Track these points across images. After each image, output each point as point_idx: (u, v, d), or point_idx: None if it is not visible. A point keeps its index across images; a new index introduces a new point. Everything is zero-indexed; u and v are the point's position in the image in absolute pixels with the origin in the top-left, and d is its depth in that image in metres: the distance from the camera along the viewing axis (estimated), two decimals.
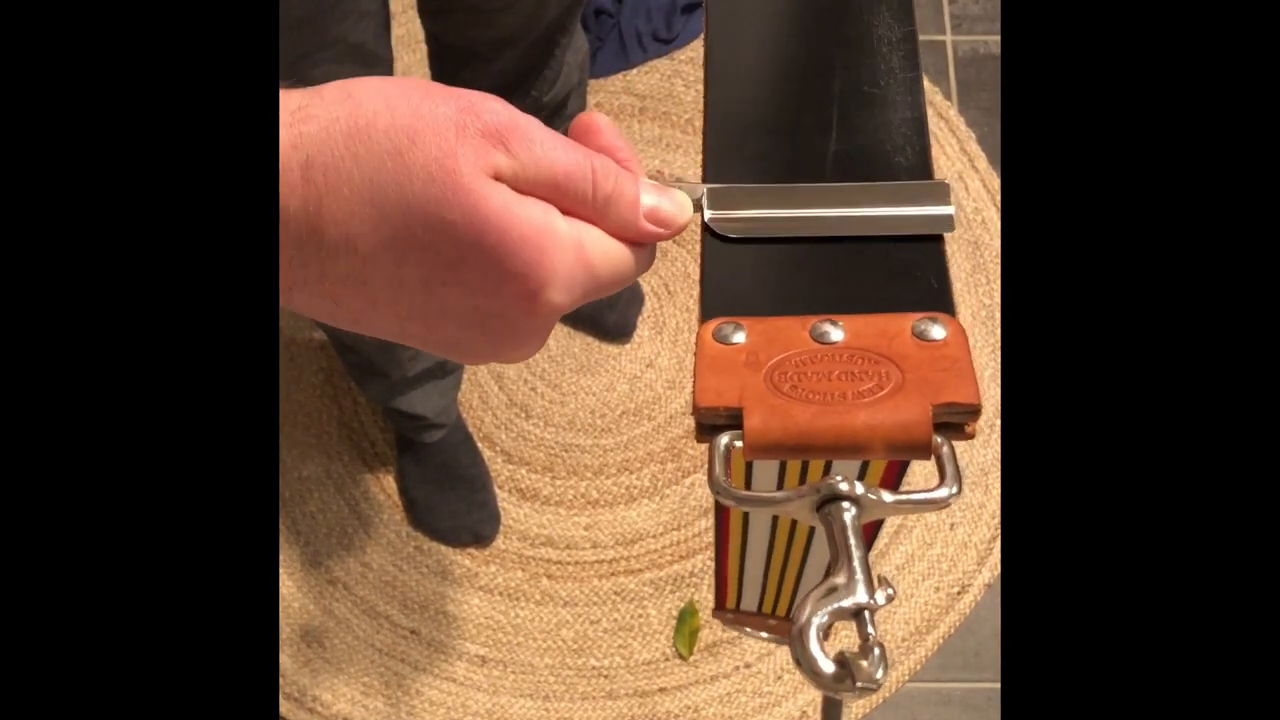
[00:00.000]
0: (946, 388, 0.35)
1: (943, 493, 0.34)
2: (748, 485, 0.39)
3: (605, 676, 1.39)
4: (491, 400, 1.53)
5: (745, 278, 0.40)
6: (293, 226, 0.33)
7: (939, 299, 0.37)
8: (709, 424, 0.36)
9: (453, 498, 1.43)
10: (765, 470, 0.38)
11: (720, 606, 0.55)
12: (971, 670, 1.39)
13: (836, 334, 0.36)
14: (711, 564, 1.44)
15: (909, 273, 0.38)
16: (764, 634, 0.56)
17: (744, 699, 1.37)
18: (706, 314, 0.38)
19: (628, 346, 1.56)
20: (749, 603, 0.53)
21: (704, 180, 0.42)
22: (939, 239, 0.39)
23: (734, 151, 0.42)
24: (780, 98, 0.44)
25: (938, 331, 0.36)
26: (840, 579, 0.33)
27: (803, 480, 0.39)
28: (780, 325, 0.37)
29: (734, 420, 0.35)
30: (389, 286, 0.34)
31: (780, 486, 0.40)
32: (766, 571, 0.50)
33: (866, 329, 0.36)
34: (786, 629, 0.55)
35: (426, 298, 0.35)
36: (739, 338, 0.37)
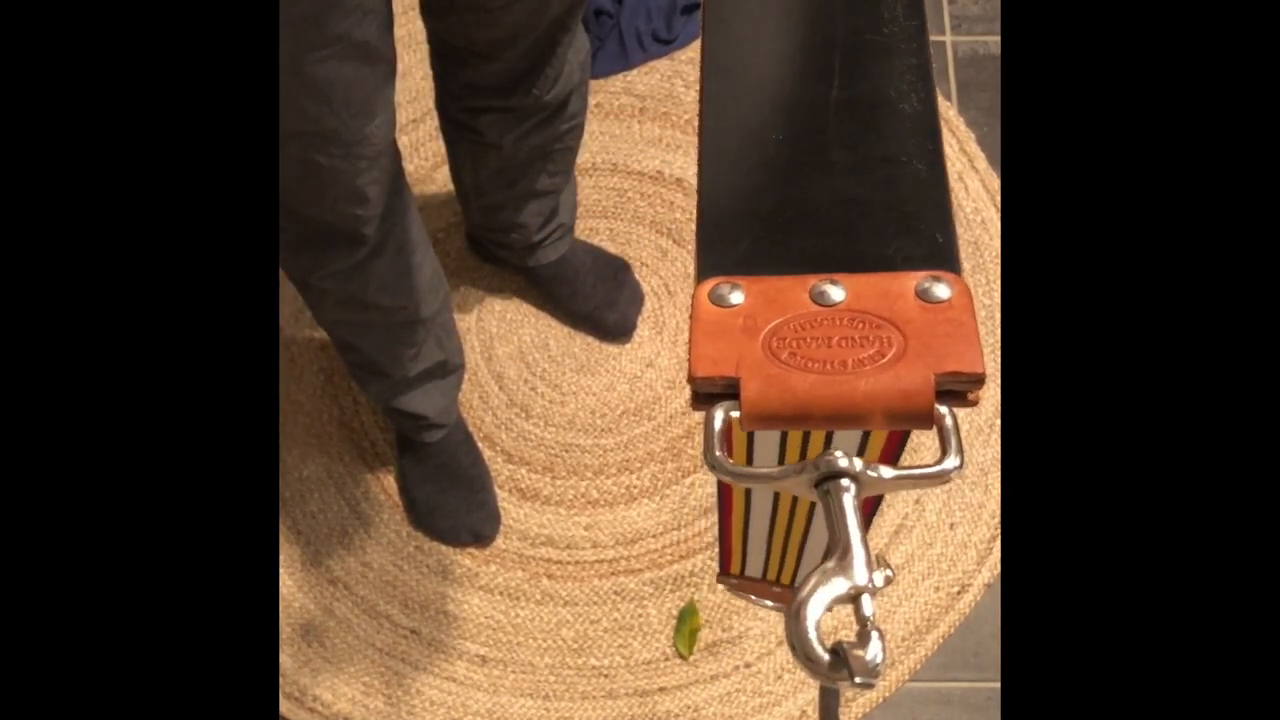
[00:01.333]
0: (950, 355, 0.33)
1: (946, 465, 0.33)
2: (749, 454, 0.39)
3: (605, 676, 1.39)
4: (491, 400, 1.53)
5: (744, 234, 0.38)
6: None
7: (944, 255, 0.36)
8: (705, 393, 0.35)
9: (453, 497, 1.43)
10: (767, 438, 0.38)
11: (725, 572, 0.53)
12: (971, 670, 1.39)
13: (837, 294, 0.35)
14: (711, 563, 1.44)
15: (913, 226, 0.37)
16: (768, 602, 0.55)
17: (744, 698, 1.37)
18: (703, 273, 0.37)
19: (628, 346, 1.56)
20: (753, 569, 0.52)
21: (701, 124, 0.41)
22: (944, 190, 0.38)
23: (733, 97, 0.41)
24: (781, 44, 0.42)
25: (942, 291, 0.35)
26: (838, 559, 0.32)
27: (804, 449, 0.38)
28: (779, 285, 0.35)
29: (731, 389, 0.34)
30: None
31: (782, 456, 0.39)
32: (770, 538, 0.49)
33: (868, 289, 0.35)
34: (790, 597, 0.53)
35: None
36: (736, 298, 0.35)
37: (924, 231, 0.36)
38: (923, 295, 0.35)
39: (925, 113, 0.39)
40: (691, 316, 0.36)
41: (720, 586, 0.56)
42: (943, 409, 0.34)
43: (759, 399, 0.33)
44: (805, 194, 0.38)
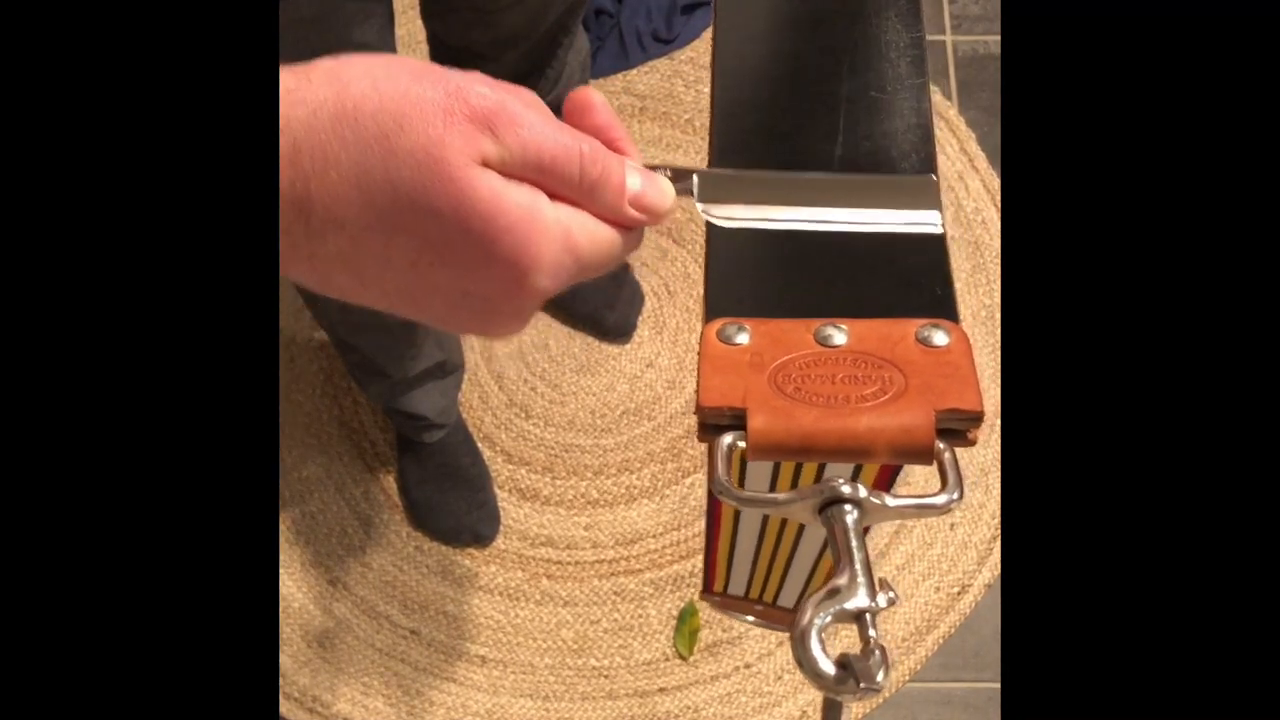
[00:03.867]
0: (950, 394, 0.35)
1: (943, 498, 0.34)
2: (741, 483, 0.40)
3: (605, 676, 1.39)
4: (491, 400, 1.53)
5: (749, 279, 0.40)
6: (281, 209, 0.34)
7: (943, 306, 0.38)
8: (712, 424, 0.36)
9: (453, 498, 1.43)
10: (760, 468, 0.39)
11: (708, 589, 0.55)
12: (971, 670, 1.39)
13: (840, 337, 0.36)
14: None
15: (913, 280, 0.38)
16: (750, 618, 0.56)
17: (744, 699, 1.37)
18: (710, 314, 0.38)
19: (628, 346, 1.56)
20: (736, 587, 0.54)
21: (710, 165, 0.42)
22: (942, 247, 0.39)
23: (740, 155, 0.42)
24: (786, 101, 0.44)
25: (941, 338, 0.36)
26: (842, 581, 0.33)
27: (796, 481, 0.39)
28: (784, 327, 0.37)
29: (737, 420, 0.35)
30: (376, 265, 0.35)
31: (774, 485, 0.40)
32: (755, 559, 0.50)
33: (870, 333, 0.36)
34: (773, 615, 0.55)
35: (414, 277, 0.35)
36: (742, 339, 0.37)
37: (923, 285, 0.38)
38: (923, 341, 0.36)
39: (924, 172, 0.40)
40: (700, 353, 0.37)
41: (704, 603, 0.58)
42: (941, 445, 0.35)
43: (765, 430, 0.35)
44: (808, 247, 0.39)
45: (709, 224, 0.40)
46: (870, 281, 0.39)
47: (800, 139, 0.42)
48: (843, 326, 0.36)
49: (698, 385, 0.36)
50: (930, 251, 0.39)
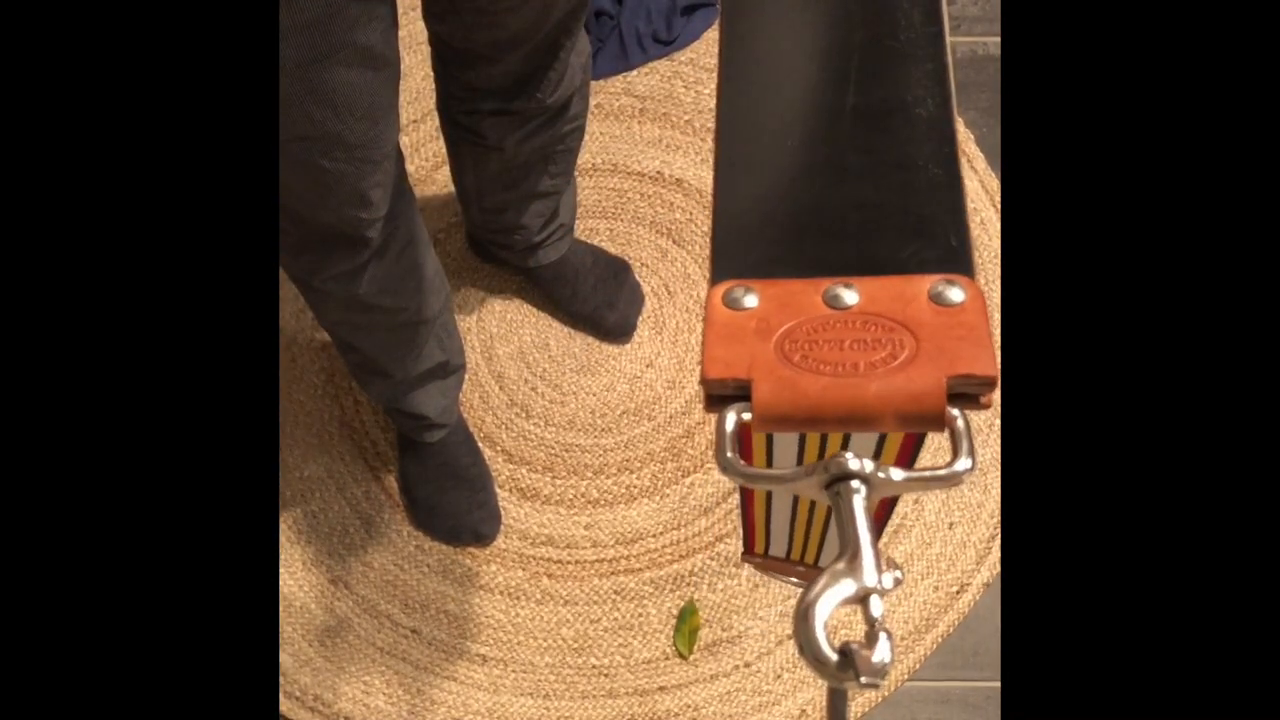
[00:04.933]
0: (962, 358, 0.33)
1: (957, 468, 0.33)
2: (769, 454, 0.39)
3: (605, 675, 1.39)
4: (492, 400, 1.53)
5: (758, 238, 0.38)
6: None
7: (958, 258, 0.36)
8: (718, 395, 0.35)
9: (454, 497, 1.43)
10: (786, 439, 0.38)
11: (749, 550, 0.53)
12: (970, 669, 1.39)
13: (851, 297, 0.35)
14: (711, 562, 1.44)
15: (927, 229, 0.37)
16: (793, 579, 0.54)
17: (744, 698, 1.38)
18: (717, 276, 0.37)
19: (628, 346, 1.56)
20: (777, 549, 0.52)
21: (717, 129, 0.40)
22: (958, 194, 0.37)
23: (749, 104, 0.41)
24: (797, 51, 0.42)
25: (956, 294, 0.34)
26: (847, 561, 0.32)
27: (822, 449, 0.38)
28: (792, 289, 0.35)
29: (743, 391, 0.34)
30: None
31: (801, 456, 0.39)
32: (792, 523, 0.49)
33: (881, 292, 0.35)
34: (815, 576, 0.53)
35: None
36: (750, 301, 0.35)
37: (938, 235, 0.36)
38: (936, 299, 0.34)
39: (940, 117, 0.39)
40: (705, 319, 0.35)
41: (746, 566, 0.55)
42: (954, 411, 0.33)
43: (770, 401, 0.34)
44: (820, 199, 0.38)
45: (715, 183, 0.39)
46: (882, 233, 0.37)
47: (812, 87, 0.41)
48: (853, 285, 0.35)
49: (702, 355, 0.35)
50: (945, 198, 0.37)
